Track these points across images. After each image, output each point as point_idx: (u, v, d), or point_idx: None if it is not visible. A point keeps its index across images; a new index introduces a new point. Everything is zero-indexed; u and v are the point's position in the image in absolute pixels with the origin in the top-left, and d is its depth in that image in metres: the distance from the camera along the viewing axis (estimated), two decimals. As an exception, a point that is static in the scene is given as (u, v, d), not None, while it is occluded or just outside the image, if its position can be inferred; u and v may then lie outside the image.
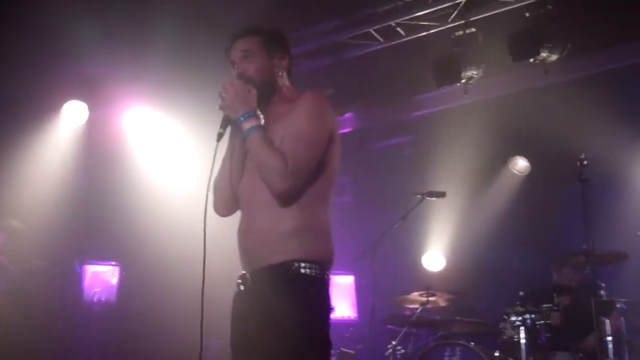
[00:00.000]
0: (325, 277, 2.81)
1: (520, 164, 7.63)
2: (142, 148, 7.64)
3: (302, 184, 2.76)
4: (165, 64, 6.67)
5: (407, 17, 6.86)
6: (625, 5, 6.16)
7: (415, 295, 5.97)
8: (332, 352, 2.77)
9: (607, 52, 6.91)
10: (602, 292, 5.15)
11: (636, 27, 6.34)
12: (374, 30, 7.06)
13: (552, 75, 6.76)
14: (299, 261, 2.74)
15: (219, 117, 2.90)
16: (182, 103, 7.14)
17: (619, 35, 6.53)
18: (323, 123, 2.85)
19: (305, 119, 2.80)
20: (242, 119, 2.82)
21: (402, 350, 5.81)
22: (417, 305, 5.99)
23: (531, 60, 6.44)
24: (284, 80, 3.03)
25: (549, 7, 6.30)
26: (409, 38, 7.06)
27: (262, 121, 2.87)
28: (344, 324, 7.33)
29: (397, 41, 7.11)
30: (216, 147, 2.89)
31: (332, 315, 2.84)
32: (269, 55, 2.99)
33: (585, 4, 6.31)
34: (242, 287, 2.88)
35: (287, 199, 2.76)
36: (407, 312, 6.11)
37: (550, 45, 6.38)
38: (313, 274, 2.74)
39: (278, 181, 2.72)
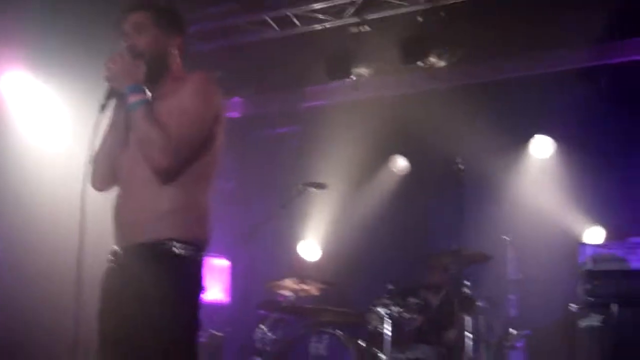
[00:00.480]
0: (199, 258, 2.80)
1: (400, 163, 7.85)
2: (19, 114, 7.29)
3: (184, 162, 2.75)
4: (47, 28, 6.38)
5: (303, 8, 6.91)
6: (514, 20, 6.44)
7: (288, 282, 6.03)
8: (202, 334, 2.77)
9: (492, 63, 7.22)
10: (467, 291, 5.40)
11: (521, 41, 6.65)
12: (270, 18, 7.07)
13: (439, 80, 7.01)
14: (174, 240, 2.72)
15: (102, 88, 2.83)
16: (63, 70, 6.84)
17: (505, 48, 6.83)
18: (209, 104, 2.84)
19: (191, 99, 2.79)
20: (128, 92, 2.77)
21: (272, 336, 5.86)
22: (290, 293, 6.06)
23: (420, 64, 6.65)
24: (175, 59, 3.00)
25: (441, 14, 6.51)
26: (304, 29, 7.12)
27: (149, 96, 2.82)
28: (217, 306, 7.32)
29: (293, 31, 7.14)
30: (98, 118, 2.83)
31: (205, 298, 2.84)
32: (162, 31, 2.94)
33: (476, 16, 6.54)
34: (113, 264, 2.83)
35: (167, 176, 2.74)
36: (280, 299, 6.17)
37: (439, 51, 6.61)
38: (186, 255, 2.73)
39: (159, 158, 2.70)
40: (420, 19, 6.59)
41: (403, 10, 6.68)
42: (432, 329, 5.60)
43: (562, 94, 6.56)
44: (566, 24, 6.17)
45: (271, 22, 7.10)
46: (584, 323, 5.46)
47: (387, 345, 5.35)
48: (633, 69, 6.53)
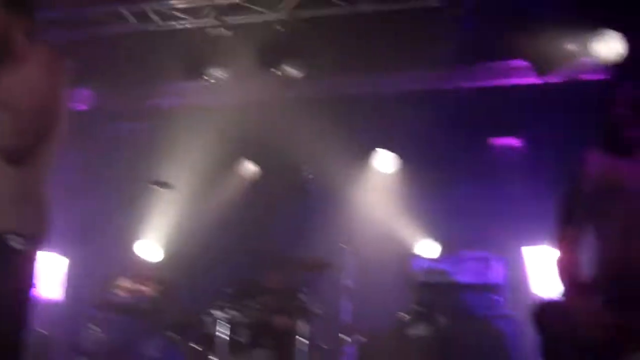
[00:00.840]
0: (34, 253, 2.68)
1: (250, 168, 7.89)
2: None
3: (32, 144, 2.62)
4: None
5: (164, 5, 6.79)
6: (370, 39, 6.65)
7: (125, 282, 5.90)
8: (29, 332, 2.65)
9: (346, 78, 7.40)
10: (303, 296, 5.50)
11: (376, 59, 6.86)
12: (128, 11, 6.89)
13: (294, 89, 7.14)
14: (10, 233, 2.59)
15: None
16: None
17: (359, 64, 7.02)
18: (55, 86, 2.72)
19: (38, 80, 2.66)
20: (-33, 72, 2.61)
21: (103, 337, 5.70)
22: (125, 293, 5.93)
23: (275, 72, 6.74)
24: (20, 43, 2.84)
25: (301, 26, 6.64)
26: (163, 26, 6.99)
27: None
28: (48, 304, 7.00)
29: (151, 27, 7.01)
30: None
31: (37, 294, 2.72)
32: (7, 11, 2.79)
33: (335, 31, 6.68)
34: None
35: (16, 158, 2.59)
36: (115, 299, 6.01)
37: (295, 61, 6.74)
38: (22, 249, 2.61)
39: (9, 137, 2.54)
40: (279, 28, 6.68)
41: (263, 18, 6.74)
42: (267, 333, 5.65)
43: (408, 113, 6.82)
44: (419, 48, 6.45)
45: (128, 15, 6.92)
46: (413, 332, 5.73)
47: (223, 349, 5.34)
48: (475, 94, 6.93)
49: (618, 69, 4.69)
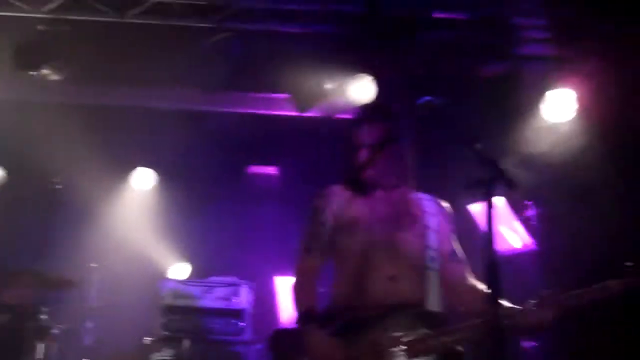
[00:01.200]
0: None
1: (-3, 173, 7.36)
2: None
3: None
4: None
5: None
6: (138, 52, 6.48)
7: None
8: None
9: (108, 88, 7.12)
10: (42, 316, 5.21)
11: (140, 73, 6.70)
12: None
13: (51, 93, 6.77)
14: None
15: None
16: None
17: (123, 76, 6.80)
18: None
19: None
20: None
21: None
22: None
23: (32, 73, 6.36)
24: None
25: (65, 27, 6.33)
26: None
27: None
28: None
29: None
30: None
31: None
32: None
33: (102, 38, 6.43)
34: None
35: None
36: None
37: (55, 64, 6.40)
38: None
39: None
40: (40, 27, 6.31)
41: (23, 14, 6.33)
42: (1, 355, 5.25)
43: (171, 132, 6.76)
44: (187, 67, 6.41)
45: None
46: (156, 356, 5.64)
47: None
48: (238, 120, 7.02)
49: (360, 111, 5.03)
